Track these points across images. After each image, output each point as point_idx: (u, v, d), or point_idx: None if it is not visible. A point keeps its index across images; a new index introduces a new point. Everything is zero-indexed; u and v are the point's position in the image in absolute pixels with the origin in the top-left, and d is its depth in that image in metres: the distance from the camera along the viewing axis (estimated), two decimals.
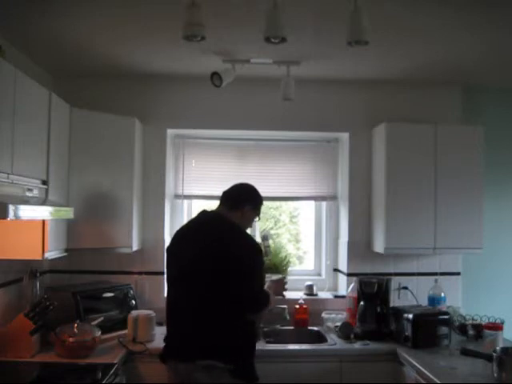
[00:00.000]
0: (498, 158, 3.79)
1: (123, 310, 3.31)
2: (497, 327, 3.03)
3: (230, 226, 2.54)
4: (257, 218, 2.73)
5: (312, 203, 4.10)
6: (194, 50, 3.01)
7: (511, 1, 2.33)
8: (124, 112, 3.40)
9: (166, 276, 2.62)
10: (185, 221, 3.93)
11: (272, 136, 3.90)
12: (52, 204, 2.68)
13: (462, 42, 2.88)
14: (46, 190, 2.74)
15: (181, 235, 2.65)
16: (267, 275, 2.93)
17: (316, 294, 3.78)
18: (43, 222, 2.65)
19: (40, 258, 2.67)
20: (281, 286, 2.92)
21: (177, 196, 3.90)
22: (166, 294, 2.63)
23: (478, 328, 3.16)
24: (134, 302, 3.42)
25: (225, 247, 2.43)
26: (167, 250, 2.64)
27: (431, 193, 3.44)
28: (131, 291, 3.45)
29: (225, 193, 2.67)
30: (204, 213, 2.66)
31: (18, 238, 2.64)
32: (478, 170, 3.49)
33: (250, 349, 2.50)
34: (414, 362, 2.80)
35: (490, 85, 3.77)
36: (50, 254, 2.78)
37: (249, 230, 2.73)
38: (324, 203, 4.03)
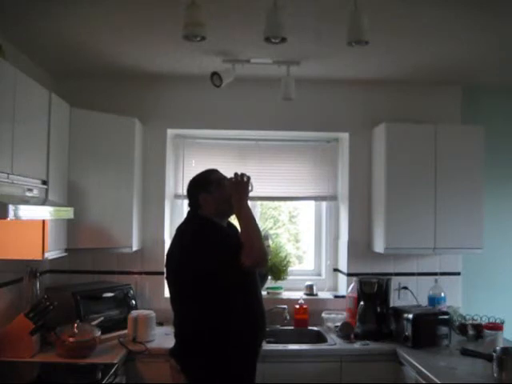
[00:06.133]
0: (498, 158, 3.80)
1: (123, 310, 3.31)
2: (497, 327, 3.03)
3: (181, 228, 2.50)
4: (224, 182, 2.44)
5: (312, 203, 4.10)
6: (194, 50, 3.01)
7: (511, 1, 2.34)
8: (124, 112, 3.40)
9: None
10: None
11: (272, 136, 3.90)
12: (52, 204, 2.68)
13: (461, 42, 2.87)
14: (46, 190, 2.74)
15: None
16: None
17: (316, 294, 3.78)
18: (43, 222, 2.65)
19: (40, 258, 2.67)
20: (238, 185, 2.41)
21: (177, 196, 3.90)
22: None
23: (478, 328, 3.17)
24: (133, 302, 3.42)
25: (176, 250, 2.42)
26: None
27: (431, 193, 3.44)
28: (131, 291, 3.45)
29: None
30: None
31: (18, 238, 2.64)
32: (478, 169, 3.49)
33: (199, 351, 2.29)
34: (414, 362, 2.80)
35: (490, 85, 3.77)
36: (50, 254, 2.78)
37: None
38: (324, 203, 4.04)
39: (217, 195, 2.44)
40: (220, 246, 2.30)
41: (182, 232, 2.48)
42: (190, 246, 2.33)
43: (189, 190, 2.54)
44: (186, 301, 2.38)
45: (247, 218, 2.36)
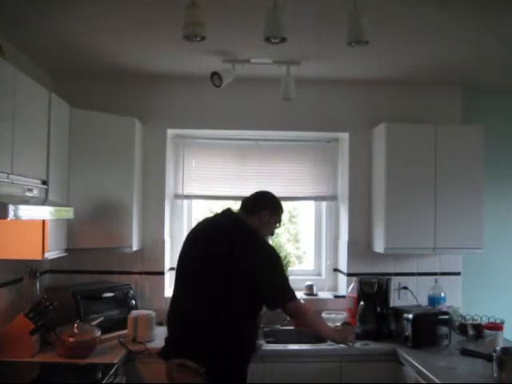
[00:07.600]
0: (498, 158, 3.79)
1: (123, 310, 3.31)
2: (497, 327, 3.03)
3: (242, 228, 2.54)
4: (277, 225, 2.73)
5: (312, 203, 4.10)
6: (194, 50, 3.01)
7: (511, 1, 2.34)
8: (124, 112, 3.40)
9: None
10: (185, 221, 3.95)
11: (272, 136, 3.90)
12: (52, 204, 2.68)
13: (461, 42, 2.87)
14: (46, 190, 2.74)
15: (196, 231, 2.68)
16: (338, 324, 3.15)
17: (316, 294, 3.78)
18: (43, 222, 2.65)
19: (40, 258, 2.67)
20: (347, 332, 2.86)
21: (177, 196, 3.90)
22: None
23: (478, 328, 3.16)
24: (133, 302, 3.42)
25: (231, 248, 2.43)
26: (182, 245, 2.67)
27: (431, 193, 3.44)
28: (131, 291, 3.45)
29: (245, 198, 2.72)
30: (224, 212, 2.67)
31: (18, 238, 2.64)
32: (478, 169, 3.48)
33: (231, 355, 2.41)
34: (414, 362, 2.80)
35: (490, 85, 3.77)
36: (50, 254, 2.78)
37: None
38: (324, 203, 4.03)
39: (271, 224, 2.68)
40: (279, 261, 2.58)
41: (237, 226, 2.55)
42: (257, 246, 2.50)
43: (261, 197, 2.71)
44: (233, 299, 2.41)
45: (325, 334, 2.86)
